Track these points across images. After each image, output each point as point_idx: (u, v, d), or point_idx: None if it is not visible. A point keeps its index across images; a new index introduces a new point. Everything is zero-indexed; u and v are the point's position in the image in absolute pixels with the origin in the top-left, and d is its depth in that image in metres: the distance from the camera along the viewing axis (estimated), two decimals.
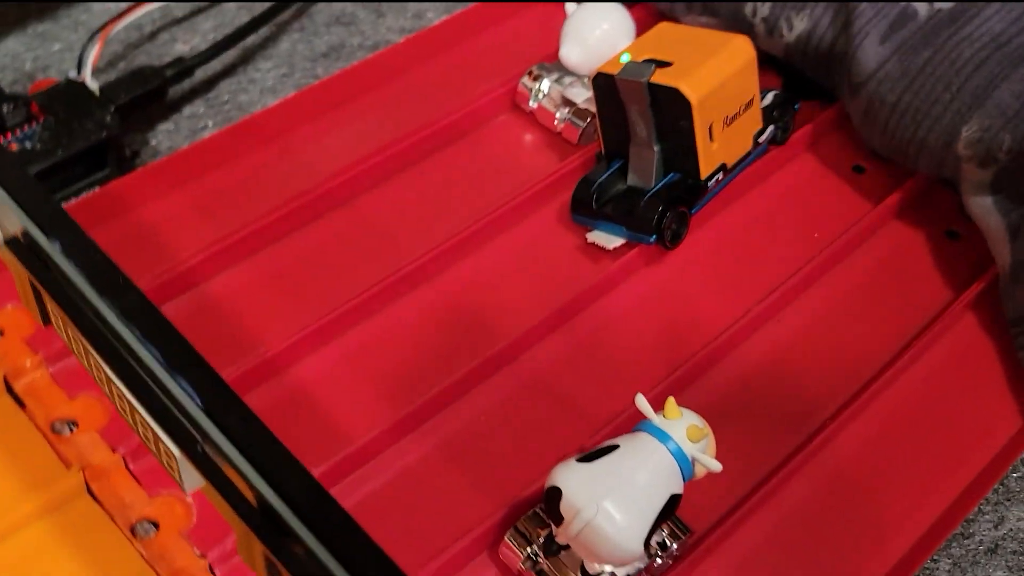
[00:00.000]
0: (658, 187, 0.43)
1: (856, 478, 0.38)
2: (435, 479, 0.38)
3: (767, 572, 0.36)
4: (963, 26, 0.44)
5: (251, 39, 0.54)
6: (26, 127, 0.44)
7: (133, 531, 0.35)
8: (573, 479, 0.32)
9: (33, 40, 0.55)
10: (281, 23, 0.56)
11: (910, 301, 0.44)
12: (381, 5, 0.57)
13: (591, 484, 0.32)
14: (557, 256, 0.45)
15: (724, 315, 0.42)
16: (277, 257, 0.44)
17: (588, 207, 0.44)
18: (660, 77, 0.41)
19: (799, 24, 0.48)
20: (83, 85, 0.46)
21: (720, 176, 0.44)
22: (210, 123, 0.51)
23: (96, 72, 0.48)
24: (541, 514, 0.35)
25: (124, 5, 0.50)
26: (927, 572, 0.38)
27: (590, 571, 0.34)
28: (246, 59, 0.54)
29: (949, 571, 0.38)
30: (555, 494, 0.32)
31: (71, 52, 0.54)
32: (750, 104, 0.44)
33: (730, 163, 0.45)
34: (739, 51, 0.43)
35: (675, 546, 0.35)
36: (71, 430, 0.37)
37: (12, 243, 0.31)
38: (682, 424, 0.33)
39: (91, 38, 0.48)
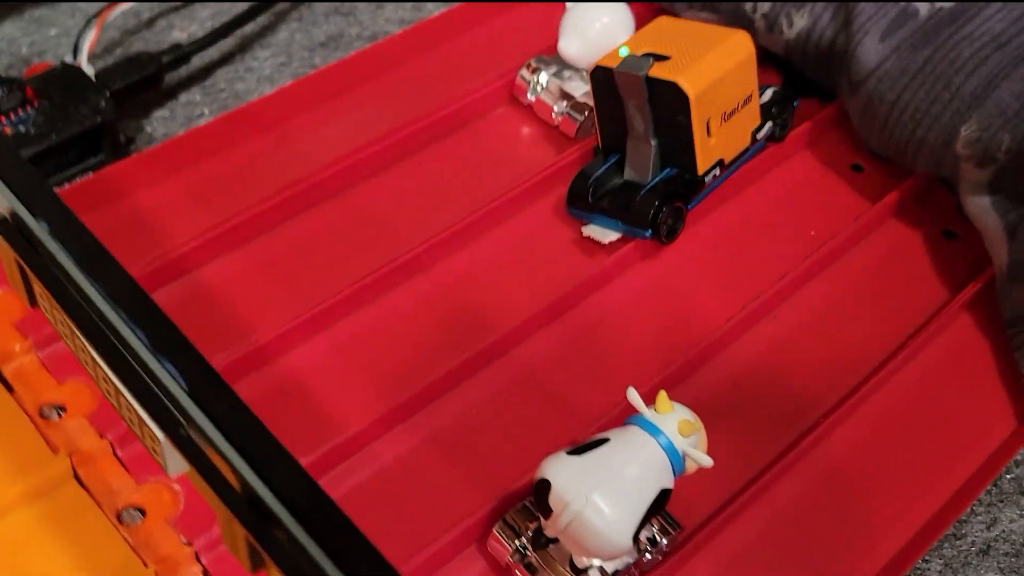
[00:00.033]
0: (655, 182, 0.43)
1: (849, 477, 0.38)
2: (424, 471, 0.37)
3: (757, 570, 0.36)
4: (963, 25, 0.44)
5: (249, 27, 0.54)
6: (20, 111, 0.44)
7: (119, 518, 0.34)
8: (563, 472, 0.32)
9: (30, 25, 0.54)
10: (280, 12, 0.56)
11: (906, 300, 0.44)
12: None
13: (581, 477, 0.32)
14: (552, 250, 0.44)
15: (719, 311, 0.42)
16: (271, 246, 0.44)
17: (584, 201, 0.44)
18: (658, 71, 0.41)
19: (799, 21, 0.48)
20: (79, 70, 0.46)
21: (717, 172, 0.44)
22: (206, 111, 0.51)
23: (93, 58, 0.48)
24: (530, 507, 0.35)
25: None
26: (918, 572, 0.37)
27: (578, 565, 0.33)
28: (244, 47, 0.54)
29: (940, 572, 0.38)
30: (544, 487, 0.32)
31: (68, 38, 0.53)
32: (748, 100, 0.44)
33: (728, 159, 0.44)
34: (738, 46, 0.43)
35: (664, 541, 0.34)
36: (59, 415, 0.37)
37: (1, 224, 0.30)
38: (673, 418, 0.33)
39: (88, 23, 0.47)
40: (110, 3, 0.49)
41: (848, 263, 0.45)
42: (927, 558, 0.38)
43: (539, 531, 0.34)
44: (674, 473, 0.33)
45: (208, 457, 0.24)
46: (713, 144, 0.43)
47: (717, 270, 0.44)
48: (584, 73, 0.48)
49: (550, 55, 0.49)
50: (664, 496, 0.32)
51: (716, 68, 0.42)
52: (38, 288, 0.28)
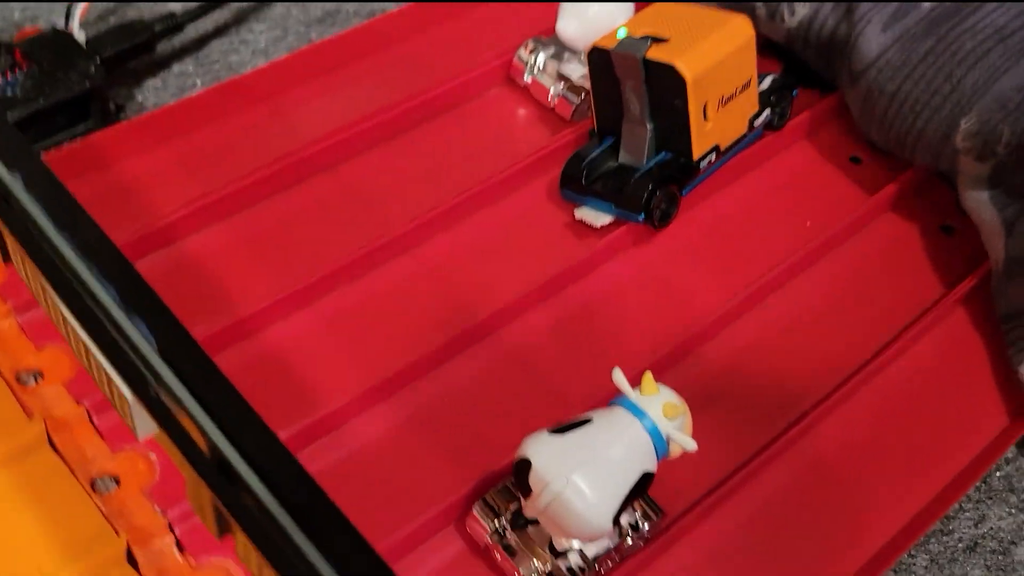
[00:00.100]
0: (649, 165, 0.42)
1: (837, 469, 0.38)
2: (405, 449, 0.37)
3: (741, 559, 0.35)
4: (966, 17, 0.43)
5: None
6: (9, 74, 0.43)
7: (93, 485, 0.34)
8: (544, 451, 0.31)
9: None
10: None
11: (901, 294, 0.43)
12: None
13: (562, 457, 0.31)
14: (543, 232, 0.44)
15: (710, 299, 0.42)
16: (259, 218, 0.43)
17: (577, 183, 0.43)
18: (656, 53, 0.41)
19: (801, 9, 0.47)
20: (69, 35, 0.45)
21: (713, 158, 0.43)
22: (199, 82, 0.50)
23: (86, 25, 0.48)
24: (511, 488, 0.34)
25: None
26: (904, 567, 0.37)
27: (558, 548, 0.33)
28: (239, 20, 0.53)
29: (927, 567, 0.37)
30: (524, 466, 0.31)
31: (61, 5, 0.53)
32: (747, 86, 0.43)
33: (724, 145, 0.44)
34: (738, 30, 0.42)
35: (647, 527, 0.34)
36: (36, 381, 0.36)
37: None
38: (658, 400, 0.32)
39: None
40: None
41: (843, 255, 0.44)
42: (913, 553, 0.37)
43: (519, 512, 0.33)
44: (658, 456, 0.32)
45: (177, 419, 0.23)
46: (710, 129, 0.42)
47: (710, 258, 0.44)
48: (582, 56, 0.47)
49: (548, 36, 0.48)
50: (647, 480, 0.32)
51: (715, 52, 0.41)
52: (11, 244, 0.28)
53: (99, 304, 0.24)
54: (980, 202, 0.43)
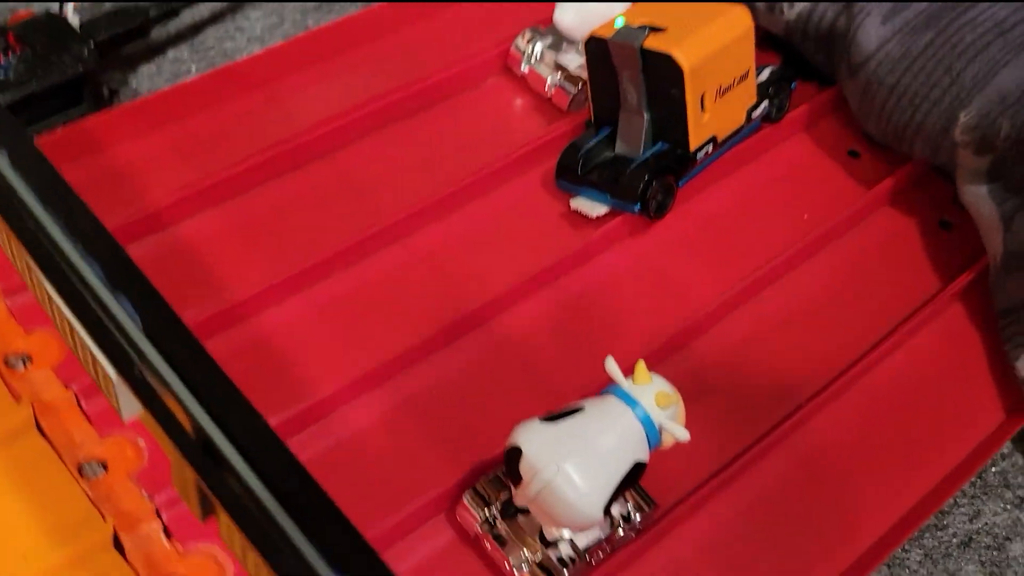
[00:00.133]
0: (646, 156, 0.42)
1: (832, 462, 0.37)
2: (396, 437, 0.37)
3: (733, 552, 0.35)
4: (967, 10, 0.43)
5: None
6: (1, 58, 0.43)
7: (80, 470, 0.33)
8: (535, 439, 0.31)
9: None
10: None
11: (898, 289, 0.43)
12: None
13: (553, 445, 0.31)
14: (538, 222, 0.43)
15: (706, 291, 0.41)
16: (253, 205, 0.43)
17: (573, 173, 0.43)
18: (653, 42, 0.40)
19: (800, 1, 0.47)
20: (63, 19, 0.45)
21: (710, 149, 0.43)
22: (194, 68, 0.50)
23: (80, 9, 0.47)
24: (502, 478, 0.34)
25: None
26: (898, 561, 0.37)
27: (548, 537, 0.32)
28: (235, 7, 0.53)
29: (920, 562, 0.37)
30: (515, 454, 0.31)
31: None
32: (745, 76, 0.43)
33: (721, 136, 0.43)
34: (736, 21, 0.42)
35: (638, 518, 0.34)
36: (25, 365, 0.36)
37: None
38: (651, 390, 0.32)
39: None
40: None
41: (841, 249, 0.44)
42: (907, 548, 0.37)
43: (509, 501, 0.33)
44: (650, 446, 0.32)
45: (161, 399, 0.23)
46: (707, 120, 0.42)
47: (707, 250, 0.43)
48: (579, 46, 0.47)
49: (546, 26, 0.48)
50: (638, 470, 0.32)
51: (712, 41, 0.41)
52: None
53: (84, 282, 0.24)
54: (979, 196, 0.42)
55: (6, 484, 0.33)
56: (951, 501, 0.38)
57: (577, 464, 0.30)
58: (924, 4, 0.44)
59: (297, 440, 0.36)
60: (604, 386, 0.33)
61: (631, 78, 0.42)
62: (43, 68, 0.43)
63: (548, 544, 0.32)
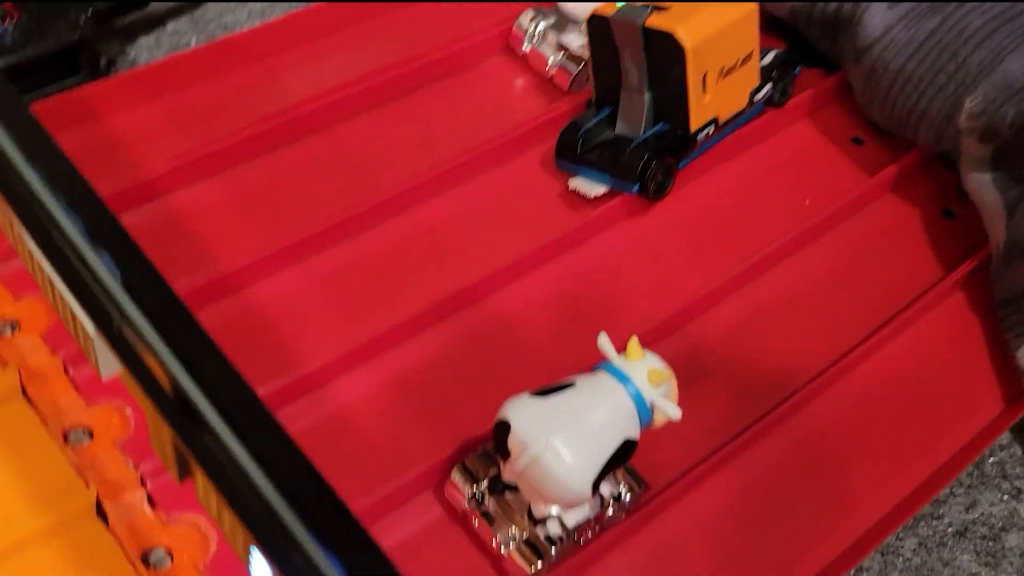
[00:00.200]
0: (646, 136, 0.42)
1: (826, 448, 0.37)
2: (387, 411, 0.36)
3: (724, 535, 0.35)
4: None
5: None
6: None
7: (66, 437, 0.33)
8: (524, 413, 0.31)
9: None
10: None
11: (899, 276, 0.42)
12: None
13: (542, 420, 0.30)
14: (536, 201, 0.43)
15: (704, 274, 0.41)
16: (249, 176, 0.42)
17: (572, 152, 0.42)
18: (655, 21, 0.40)
19: None
20: None
21: (711, 130, 0.43)
22: (193, 40, 0.49)
23: None
24: (491, 454, 0.33)
25: None
26: (892, 549, 0.36)
27: (536, 515, 0.32)
28: None
29: (915, 550, 0.36)
30: (504, 428, 0.31)
31: None
32: (748, 58, 0.43)
33: (723, 118, 0.43)
34: (740, 2, 0.41)
35: (629, 498, 0.33)
36: (12, 331, 0.35)
37: None
38: (643, 366, 0.31)
39: None
40: None
41: (842, 235, 0.44)
42: (902, 535, 0.37)
43: (497, 477, 0.33)
44: (641, 424, 0.31)
45: (139, 355, 0.22)
46: (708, 101, 0.42)
47: (705, 233, 0.43)
48: (582, 26, 0.46)
49: (549, 6, 0.48)
50: (628, 447, 0.31)
51: (715, 21, 0.40)
52: None
53: (65, 237, 0.23)
54: (982, 184, 0.42)
55: None
56: (947, 490, 0.38)
57: (566, 439, 0.30)
58: None
59: (288, 411, 0.35)
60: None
61: (632, 57, 0.41)
62: (39, 34, 0.43)
63: (536, 522, 0.32)
